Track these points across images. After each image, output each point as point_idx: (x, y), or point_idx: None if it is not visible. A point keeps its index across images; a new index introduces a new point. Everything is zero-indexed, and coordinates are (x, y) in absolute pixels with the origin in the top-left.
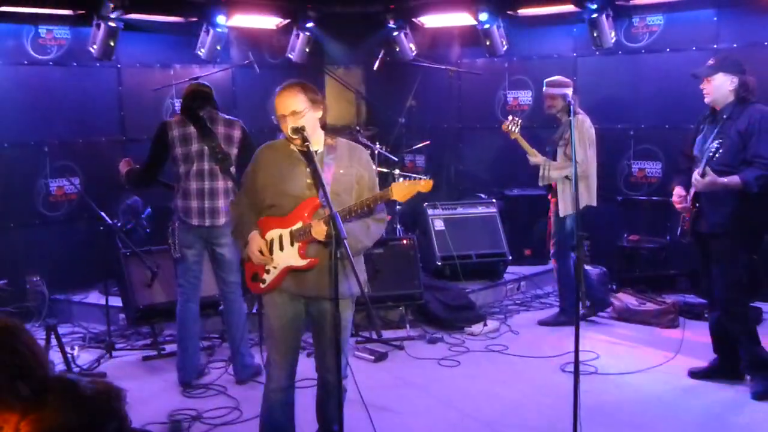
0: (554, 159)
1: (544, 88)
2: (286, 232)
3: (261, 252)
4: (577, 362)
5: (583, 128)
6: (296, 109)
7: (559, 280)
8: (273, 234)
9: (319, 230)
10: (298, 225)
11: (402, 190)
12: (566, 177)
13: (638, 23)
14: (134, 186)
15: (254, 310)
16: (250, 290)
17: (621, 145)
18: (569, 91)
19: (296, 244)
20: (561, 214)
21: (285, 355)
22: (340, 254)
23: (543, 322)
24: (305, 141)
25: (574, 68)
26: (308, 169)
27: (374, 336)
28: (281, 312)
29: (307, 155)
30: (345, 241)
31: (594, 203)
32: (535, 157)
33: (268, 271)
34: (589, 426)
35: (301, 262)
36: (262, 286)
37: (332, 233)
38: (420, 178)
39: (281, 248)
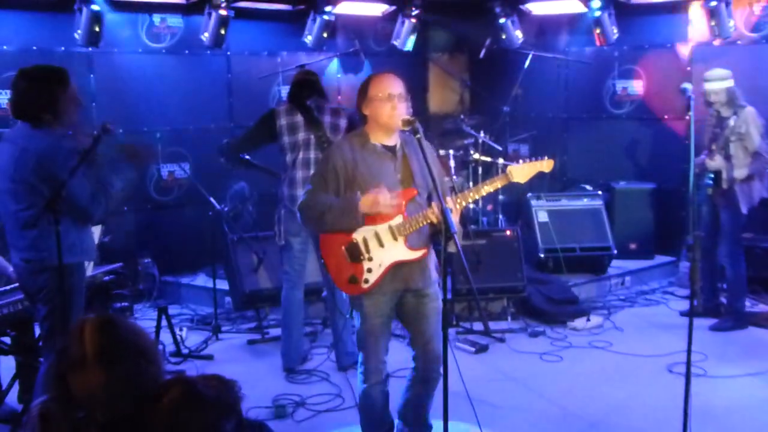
0: (725, 157)
1: (705, 84)
2: (383, 228)
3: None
4: (689, 365)
5: (757, 119)
6: (403, 94)
7: (734, 281)
8: (365, 232)
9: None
10: (398, 219)
11: (522, 171)
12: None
13: (759, 11)
14: (221, 153)
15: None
16: (347, 294)
17: None
18: (731, 82)
19: (400, 238)
20: (744, 211)
21: (384, 351)
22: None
23: (715, 328)
24: (417, 132)
25: (689, 57)
26: (395, 164)
27: (475, 327)
28: (382, 311)
29: (422, 149)
30: (455, 235)
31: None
32: (714, 161)
33: (370, 270)
34: (701, 429)
35: (413, 255)
36: (364, 286)
37: (445, 226)
38: (540, 159)
39: (381, 245)
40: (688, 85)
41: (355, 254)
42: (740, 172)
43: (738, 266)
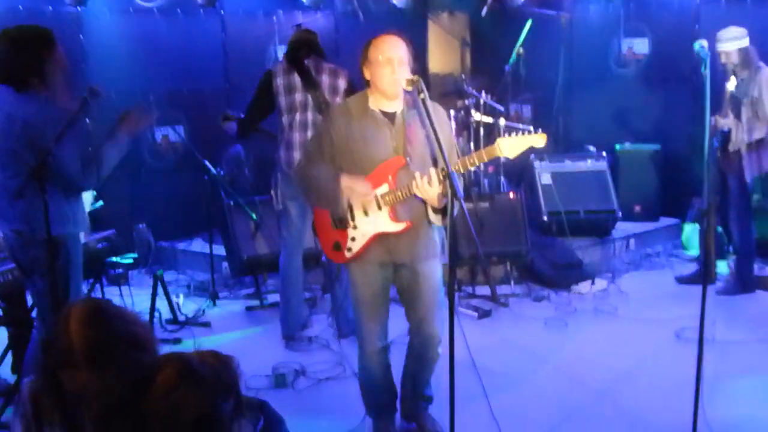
0: (737, 119)
1: (717, 44)
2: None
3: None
4: (702, 334)
5: None
6: (404, 58)
7: (742, 246)
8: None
9: (425, 189)
10: (383, 188)
11: (511, 145)
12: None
13: None
14: (236, 136)
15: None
16: (332, 260)
17: None
18: (745, 42)
19: (385, 208)
20: (748, 179)
21: (378, 321)
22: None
23: (722, 292)
24: (421, 92)
25: (696, 15)
26: (391, 131)
27: (478, 291)
28: (371, 280)
29: (426, 111)
30: (462, 200)
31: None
32: (724, 119)
33: (353, 239)
34: (709, 399)
35: (396, 227)
36: (347, 255)
37: (447, 192)
38: (529, 131)
39: (366, 213)
40: (703, 42)
41: (341, 221)
42: (750, 136)
43: (746, 231)
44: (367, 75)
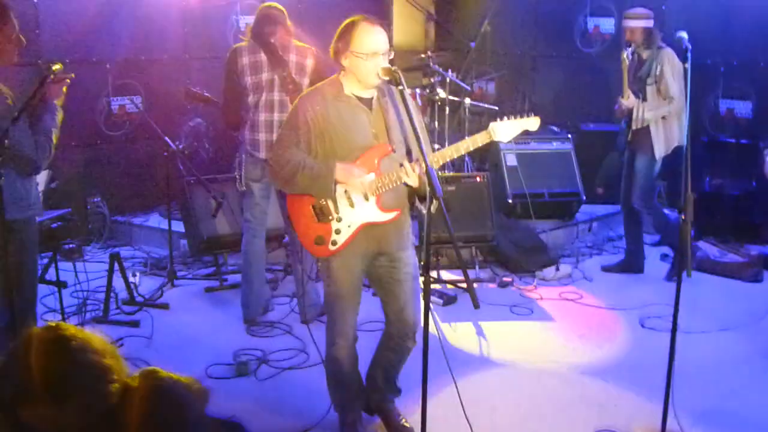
0: (643, 99)
1: (624, 21)
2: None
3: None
4: (675, 325)
5: (674, 62)
6: (387, 49)
7: (662, 223)
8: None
9: (415, 178)
10: (370, 177)
11: (505, 129)
12: (663, 117)
13: None
14: (228, 128)
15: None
16: (313, 255)
17: (709, 82)
18: (650, 23)
19: (371, 198)
20: (657, 157)
21: (355, 313)
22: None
23: (607, 269)
24: (399, 84)
25: None
26: (369, 117)
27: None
28: (351, 274)
29: (403, 99)
30: (441, 200)
31: (684, 143)
32: (627, 100)
33: (338, 231)
34: (676, 390)
35: (385, 216)
36: (332, 248)
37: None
38: (494, 110)
39: (351, 204)
40: (683, 34)
41: (323, 214)
42: (651, 114)
43: (655, 210)
44: (345, 63)
